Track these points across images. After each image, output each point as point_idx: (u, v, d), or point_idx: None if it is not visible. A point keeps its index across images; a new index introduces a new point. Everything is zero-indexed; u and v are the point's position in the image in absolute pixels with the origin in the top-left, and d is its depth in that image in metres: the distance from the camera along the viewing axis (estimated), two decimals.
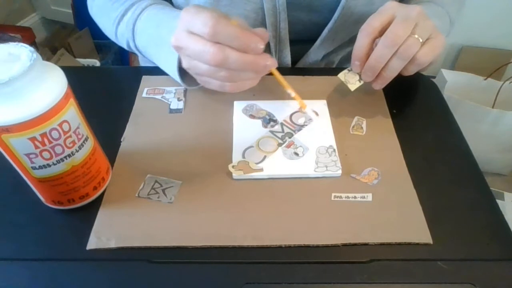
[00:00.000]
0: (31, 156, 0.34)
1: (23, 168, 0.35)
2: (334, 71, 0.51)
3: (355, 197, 0.41)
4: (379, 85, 0.48)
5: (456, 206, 0.41)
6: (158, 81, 0.54)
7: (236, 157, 0.45)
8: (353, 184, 0.43)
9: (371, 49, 0.46)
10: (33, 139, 0.32)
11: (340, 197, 0.41)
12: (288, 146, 0.46)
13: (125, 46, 0.59)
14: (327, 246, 0.38)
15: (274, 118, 0.49)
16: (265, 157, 0.45)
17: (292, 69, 0.61)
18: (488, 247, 0.38)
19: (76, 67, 1.16)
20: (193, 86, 0.51)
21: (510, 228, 0.40)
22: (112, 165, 0.44)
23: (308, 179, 0.43)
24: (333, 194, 0.42)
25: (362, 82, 0.49)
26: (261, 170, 0.43)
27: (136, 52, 0.58)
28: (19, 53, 0.32)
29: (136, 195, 0.41)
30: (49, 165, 0.35)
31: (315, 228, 0.39)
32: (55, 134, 0.33)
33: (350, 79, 0.49)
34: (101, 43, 1.70)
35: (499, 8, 1.55)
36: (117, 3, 0.57)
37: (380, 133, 0.48)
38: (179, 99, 0.52)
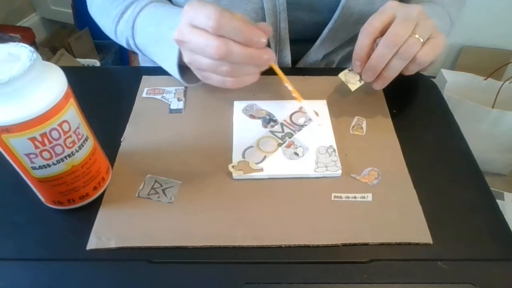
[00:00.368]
0: (31, 156, 0.34)
1: (23, 168, 0.35)
2: (334, 71, 0.51)
3: (355, 197, 0.41)
4: (380, 85, 0.48)
5: (456, 206, 0.41)
6: (158, 81, 0.54)
7: (236, 157, 0.45)
8: (353, 184, 0.43)
9: (372, 49, 0.46)
10: (33, 139, 0.32)
11: (340, 197, 0.41)
12: (288, 146, 0.46)
13: (124, 45, 0.59)
14: (327, 246, 0.37)
15: (274, 118, 0.49)
16: (265, 157, 0.45)
17: (292, 69, 0.61)
18: (488, 247, 0.38)
19: (76, 67, 1.16)
20: (192, 83, 0.51)
21: (510, 228, 0.40)
22: (112, 165, 0.44)
23: (308, 179, 0.43)
24: (333, 194, 0.42)
25: (362, 82, 0.49)
26: (261, 170, 0.43)
27: (136, 50, 0.58)
28: (19, 53, 0.32)
29: (136, 195, 0.41)
30: (49, 165, 0.35)
31: (315, 228, 0.39)
32: (55, 134, 0.33)
33: (351, 79, 0.49)
34: (101, 43, 1.70)
35: (499, 8, 1.55)
36: (116, 2, 0.57)
37: (380, 133, 0.48)
38: (179, 99, 0.52)
